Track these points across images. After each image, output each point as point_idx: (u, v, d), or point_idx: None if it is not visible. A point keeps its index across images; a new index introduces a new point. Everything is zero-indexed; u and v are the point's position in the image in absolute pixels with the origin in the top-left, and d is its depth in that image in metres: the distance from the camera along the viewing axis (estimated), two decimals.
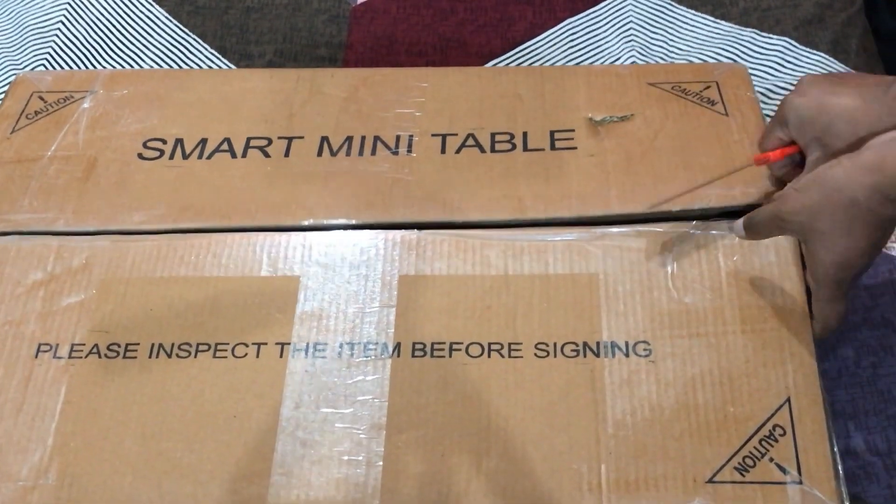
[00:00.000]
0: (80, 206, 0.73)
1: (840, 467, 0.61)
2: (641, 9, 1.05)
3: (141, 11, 1.06)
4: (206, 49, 1.02)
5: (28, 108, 0.80)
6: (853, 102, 0.62)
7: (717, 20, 1.04)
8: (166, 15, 1.06)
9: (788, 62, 0.98)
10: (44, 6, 1.07)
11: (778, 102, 0.94)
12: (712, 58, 1.00)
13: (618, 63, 0.99)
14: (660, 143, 0.74)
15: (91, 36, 1.04)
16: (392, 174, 0.74)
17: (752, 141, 0.74)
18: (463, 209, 0.71)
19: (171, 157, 0.76)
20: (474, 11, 1.06)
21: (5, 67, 1.00)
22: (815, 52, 0.99)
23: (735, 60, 0.99)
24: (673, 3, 1.06)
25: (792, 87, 0.95)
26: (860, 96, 0.62)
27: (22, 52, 1.03)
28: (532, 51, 1.02)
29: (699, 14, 1.05)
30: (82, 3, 1.07)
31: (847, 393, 0.73)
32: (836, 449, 0.61)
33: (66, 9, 1.07)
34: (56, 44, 1.03)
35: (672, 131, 0.75)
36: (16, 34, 1.05)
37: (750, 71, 0.82)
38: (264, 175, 0.74)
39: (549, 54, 1.01)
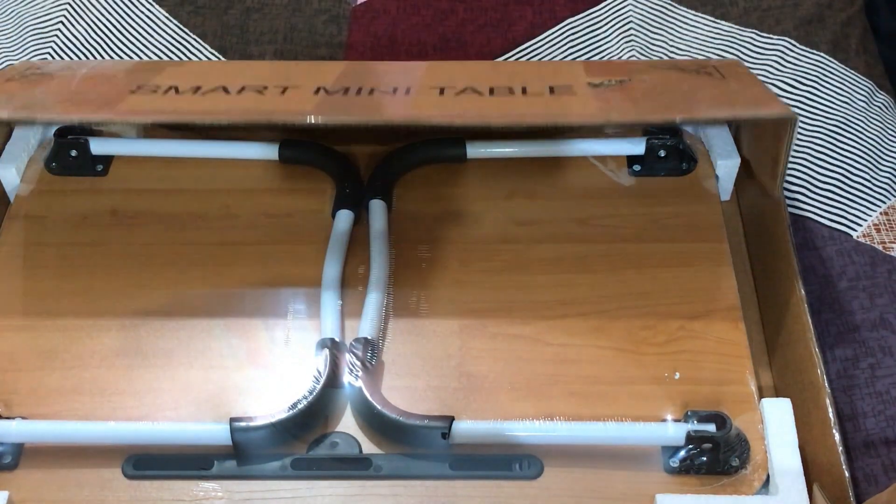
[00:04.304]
0: (67, 110, 0.71)
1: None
2: (641, 9, 1.05)
3: (141, 11, 1.06)
4: (205, 49, 1.02)
5: (25, 72, 0.79)
6: None
7: (717, 20, 1.04)
8: (166, 15, 1.06)
9: (788, 62, 0.98)
10: (44, 6, 1.07)
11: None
12: (712, 57, 1.00)
13: None
14: (659, 91, 0.73)
15: (91, 36, 1.04)
16: (389, 103, 0.72)
17: (751, 91, 0.73)
18: (462, 116, 0.69)
19: (164, 93, 0.73)
20: (474, 11, 1.06)
21: (5, 67, 1.01)
22: (815, 51, 0.99)
23: None
24: (673, 3, 1.06)
25: (793, 87, 0.95)
26: None
27: (22, 51, 1.03)
28: (532, 51, 1.02)
29: (699, 14, 1.04)
30: (82, 3, 1.07)
31: (846, 395, 0.73)
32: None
33: (66, 9, 1.07)
34: (56, 44, 1.03)
35: (671, 86, 0.75)
36: (16, 34, 1.05)
37: (750, 71, 0.82)
38: (258, 101, 0.72)
39: (548, 54, 1.01)
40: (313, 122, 0.67)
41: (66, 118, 0.68)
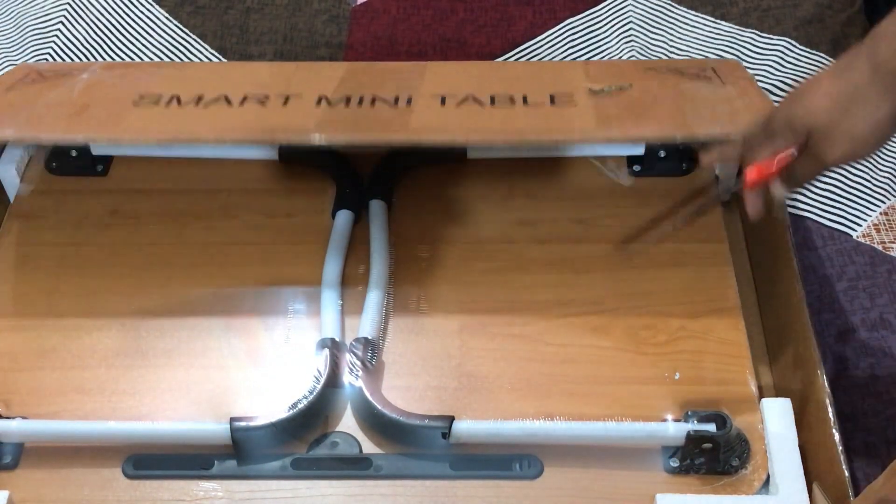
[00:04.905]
0: (70, 128, 0.71)
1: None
2: (641, 9, 1.05)
3: (141, 11, 1.06)
4: (206, 49, 1.02)
5: (25, 78, 0.79)
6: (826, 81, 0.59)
7: (717, 20, 1.04)
8: (166, 15, 1.06)
9: (788, 62, 0.98)
10: (44, 6, 1.07)
11: (778, 102, 0.94)
12: (712, 58, 1.00)
13: None
14: (659, 101, 0.73)
15: (91, 36, 1.04)
16: (391, 116, 0.72)
17: (752, 102, 0.72)
18: (464, 135, 0.69)
19: (167, 104, 0.74)
20: (474, 11, 1.06)
21: (5, 67, 1.01)
22: (815, 52, 0.99)
23: None
24: (673, 3, 1.06)
25: (792, 87, 0.95)
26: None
27: (22, 51, 1.03)
28: (532, 51, 1.02)
29: (699, 14, 1.05)
30: (82, 3, 1.07)
31: (846, 395, 0.73)
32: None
33: (66, 9, 1.07)
34: (56, 44, 1.03)
35: (670, 94, 0.74)
36: (16, 34, 1.05)
37: (750, 71, 0.82)
38: (260, 115, 0.72)
39: (548, 54, 1.01)
40: (317, 142, 0.68)
41: (71, 138, 0.69)
